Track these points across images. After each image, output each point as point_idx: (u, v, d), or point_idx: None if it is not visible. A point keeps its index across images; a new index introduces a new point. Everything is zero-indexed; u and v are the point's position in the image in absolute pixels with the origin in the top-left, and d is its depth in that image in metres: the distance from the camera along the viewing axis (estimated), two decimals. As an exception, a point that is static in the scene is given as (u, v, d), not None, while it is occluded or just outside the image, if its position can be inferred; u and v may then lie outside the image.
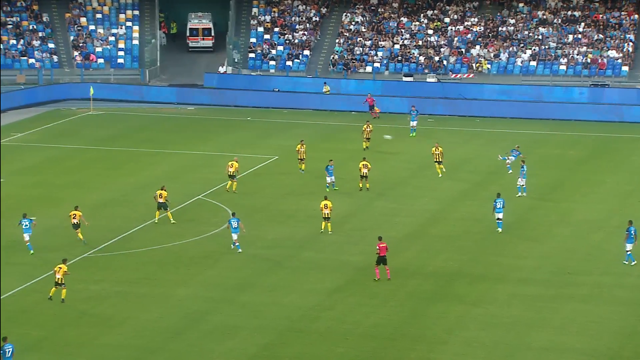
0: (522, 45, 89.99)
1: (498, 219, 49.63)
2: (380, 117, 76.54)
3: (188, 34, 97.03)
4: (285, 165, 62.55)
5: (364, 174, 56.70)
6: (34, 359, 35.70)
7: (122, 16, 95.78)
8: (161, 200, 50.39)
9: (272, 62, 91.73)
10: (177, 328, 38.50)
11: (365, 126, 67.27)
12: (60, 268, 40.75)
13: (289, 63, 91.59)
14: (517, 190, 55.76)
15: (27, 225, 46.48)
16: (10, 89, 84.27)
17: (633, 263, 45.15)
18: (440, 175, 59.51)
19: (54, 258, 44.12)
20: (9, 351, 33.37)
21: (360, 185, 56.83)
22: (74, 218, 47.77)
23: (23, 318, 39.15)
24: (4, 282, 42.57)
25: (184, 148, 68.31)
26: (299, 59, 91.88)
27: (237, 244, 46.64)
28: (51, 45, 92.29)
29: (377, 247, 43.04)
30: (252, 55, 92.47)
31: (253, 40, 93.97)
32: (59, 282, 40.54)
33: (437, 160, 59.67)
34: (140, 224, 50.68)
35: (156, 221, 50.41)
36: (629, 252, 45.30)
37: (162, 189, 50.67)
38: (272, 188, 57.96)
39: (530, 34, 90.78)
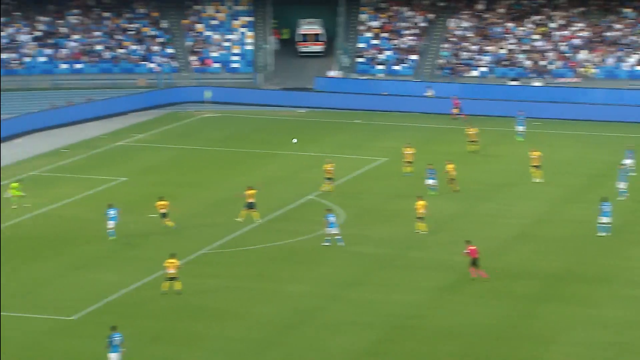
0: (628, 50, 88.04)
1: (603, 222, 48.45)
2: (483, 120, 75.65)
3: (299, 39, 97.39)
4: (393, 167, 62.21)
5: (452, 177, 55.81)
6: (154, 351, 36.07)
7: (236, 22, 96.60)
8: (251, 200, 50.30)
9: (380, 67, 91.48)
10: (291, 322, 38.53)
11: (470, 129, 66.39)
12: (171, 263, 41.06)
13: (396, 67, 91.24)
14: (619, 193, 54.46)
15: (113, 214, 47.79)
16: (131, 92, 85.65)
17: None
18: (537, 180, 58.01)
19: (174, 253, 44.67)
20: (117, 340, 33.65)
21: (452, 186, 55.82)
22: (161, 208, 48.67)
23: (142, 311, 39.61)
24: (125, 276, 43.18)
25: (296, 149, 68.51)
26: (406, 63, 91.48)
27: (338, 237, 46.58)
28: (170, 51, 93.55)
29: (467, 251, 42.42)
30: (360, 59, 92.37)
31: (361, 45, 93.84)
32: (172, 276, 40.85)
33: (535, 165, 58.21)
34: (252, 223, 50.89)
35: (241, 220, 50.38)
36: None
37: (250, 189, 50.60)
38: (379, 189, 57.73)
39: (637, 39, 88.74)
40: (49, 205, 53.97)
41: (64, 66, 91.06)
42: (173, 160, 65.71)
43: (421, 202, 48.89)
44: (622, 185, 54.56)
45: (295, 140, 58.58)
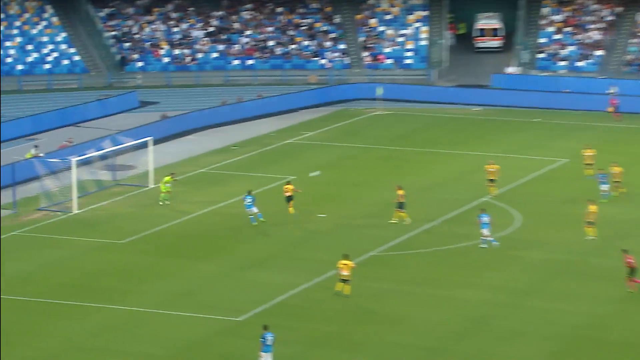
0: None
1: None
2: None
3: (475, 34, 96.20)
4: (574, 169, 60.63)
5: (617, 179, 53.72)
6: (322, 353, 36.09)
7: (411, 17, 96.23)
8: (401, 200, 49.75)
9: (563, 63, 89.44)
10: (462, 330, 37.94)
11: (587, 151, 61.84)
12: (345, 264, 41.05)
13: (580, 63, 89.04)
14: None
15: (249, 202, 49.95)
16: (301, 89, 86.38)
17: None
18: None
19: (339, 256, 44.77)
20: (269, 339, 33.81)
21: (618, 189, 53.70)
22: (286, 192, 50.35)
23: (309, 313, 39.72)
24: (292, 276, 43.44)
25: (469, 149, 67.63)
26: (590, 59, 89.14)
27: (490, 239, 45.73)
28: (342, 46, 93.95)
29: (626, 261, 40.78)
30: (541, 55, 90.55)
31: (542, 40, 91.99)
32: (346, 278, 40.84)
33: None
34: (424, 224, 50.47)
35: (395, 221, 49.99)
36: None
37: (400, 189, 50.07)
38: (559, 192, 56.34)
39: None
40: (218, 203, 54.86)
41: (236, 62, 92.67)
42: (342, 159, 65.85)
43: (593, 207, 47.43)
44: None
45: (315, 174, 57.26)
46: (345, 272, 40.91)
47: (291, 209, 51.38)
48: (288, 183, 52.28)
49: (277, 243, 48.11)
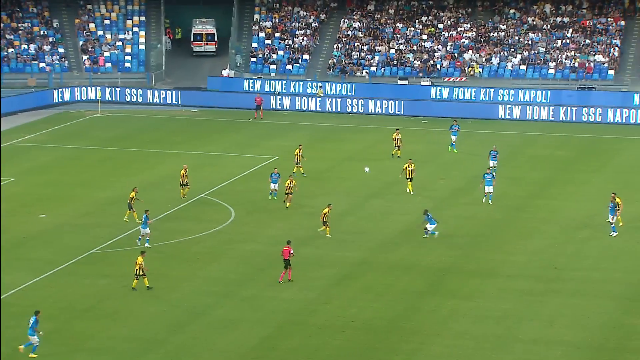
0: (512, 50, 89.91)
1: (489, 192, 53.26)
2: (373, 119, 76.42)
3: (192, 39, 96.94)
4: (286, 165, 62.38)
5: (410, 176, 55.67)
6: (45, 350, 35.59)
7: (129, 22, 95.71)
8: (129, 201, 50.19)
9: (273, 66, 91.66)
10: (178, 321, 38.44)
11: (394, 134, 64.88)
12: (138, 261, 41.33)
13: (289, 67, 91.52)
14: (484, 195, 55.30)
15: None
16: (21, 92, 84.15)
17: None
18: (410, 192, 56.12)
19: (61, 254, 44.23)
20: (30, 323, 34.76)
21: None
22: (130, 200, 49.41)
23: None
24: (14, 276, 42.48)
25: (189, 148, 68.22)
26: (298, 63, 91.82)
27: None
28: (61, 50, 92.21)
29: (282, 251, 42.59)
30: (253, 59, 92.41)
31: (255, 45, 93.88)
32: (139, 273, 41.05)
33: (409, 177, 55.89)
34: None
35: (127, 220, 50.20)
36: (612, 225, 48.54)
37: (133, 190, 50.45)
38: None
39: (521, 39, 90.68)
40: None
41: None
42: (63, 160, 64.81)
43: (326, 210, 48.50)
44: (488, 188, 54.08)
45: (367, 169, 57.64)
46: (137, 267, 41.17)
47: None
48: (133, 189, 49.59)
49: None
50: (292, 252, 42.38)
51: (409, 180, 56.23)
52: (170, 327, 37.84)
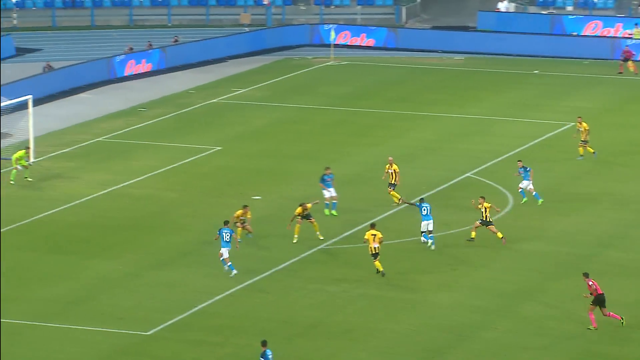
0: None
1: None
2: None
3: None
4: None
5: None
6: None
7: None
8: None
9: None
10: (437, 346, 38.42)
11: None
12: (374, 235, 43.22)
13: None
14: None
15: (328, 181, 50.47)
16: (230, 32, 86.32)
17: None
18: None
19: (279, 250, 45.16)
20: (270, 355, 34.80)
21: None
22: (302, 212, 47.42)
23: (237, 324, 39.94)
24: (217, 279, 43.61)
25: (449, 110, 68.17)
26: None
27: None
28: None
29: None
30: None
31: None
32: (375, 251, 43.40)
33: None
34: (390, 209, 50.81)
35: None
36: None
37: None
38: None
39: None
40: (119, 183, 54.73)
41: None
42: (282, 124, 66.03)
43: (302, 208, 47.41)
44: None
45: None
46: (376, 245, 43.15)
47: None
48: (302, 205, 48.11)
49: (195, 237, 48.00)
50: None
51: None
52: (423, 354, 37.80)
